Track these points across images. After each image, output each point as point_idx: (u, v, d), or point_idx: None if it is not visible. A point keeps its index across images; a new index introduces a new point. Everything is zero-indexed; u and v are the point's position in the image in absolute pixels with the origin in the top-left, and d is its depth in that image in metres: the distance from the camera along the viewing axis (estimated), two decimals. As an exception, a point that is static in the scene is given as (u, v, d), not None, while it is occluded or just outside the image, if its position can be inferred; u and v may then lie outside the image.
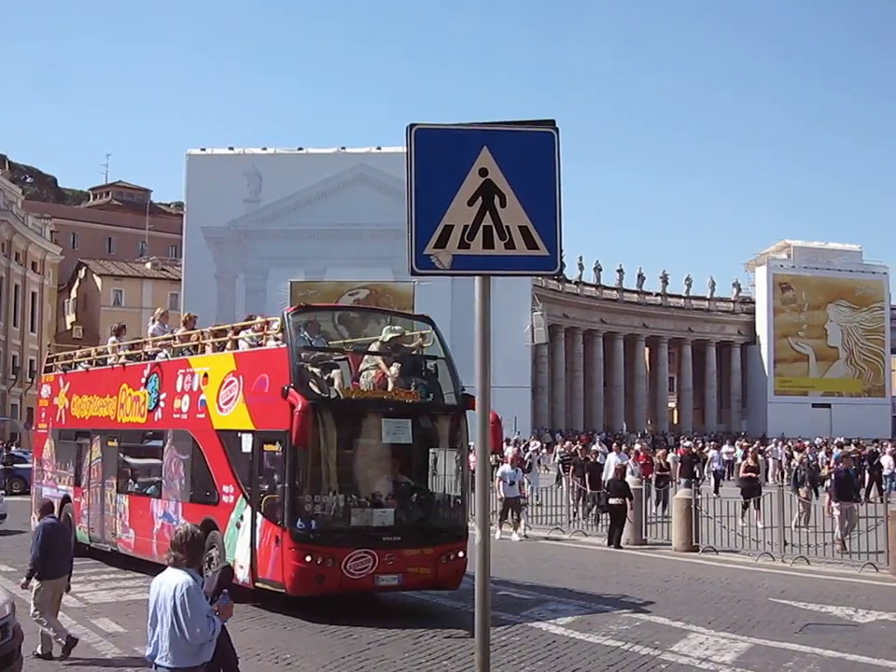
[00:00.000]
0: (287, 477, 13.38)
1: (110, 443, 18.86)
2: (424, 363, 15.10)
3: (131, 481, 18.23)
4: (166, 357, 17.62)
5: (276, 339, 14.49)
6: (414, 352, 15.24)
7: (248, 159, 64.76)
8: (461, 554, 14.30)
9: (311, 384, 13.76)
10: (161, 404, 17.08)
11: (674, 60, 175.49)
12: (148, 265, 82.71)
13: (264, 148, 65.41)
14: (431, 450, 14.63)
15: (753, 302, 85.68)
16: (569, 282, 77.80)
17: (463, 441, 14.76)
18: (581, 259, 79.10)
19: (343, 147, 65.01)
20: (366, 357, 14.76)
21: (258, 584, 13.86)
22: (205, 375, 15.81)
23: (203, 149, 65.74)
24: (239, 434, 14.77)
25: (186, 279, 65.52)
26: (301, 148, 65.02)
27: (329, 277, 61.22)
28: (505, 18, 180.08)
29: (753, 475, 25.98)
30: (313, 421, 13.29)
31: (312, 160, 63.32)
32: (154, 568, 11.72)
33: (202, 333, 16.52)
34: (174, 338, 17.30)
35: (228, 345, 15.91)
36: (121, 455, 18.54)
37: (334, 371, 14.24)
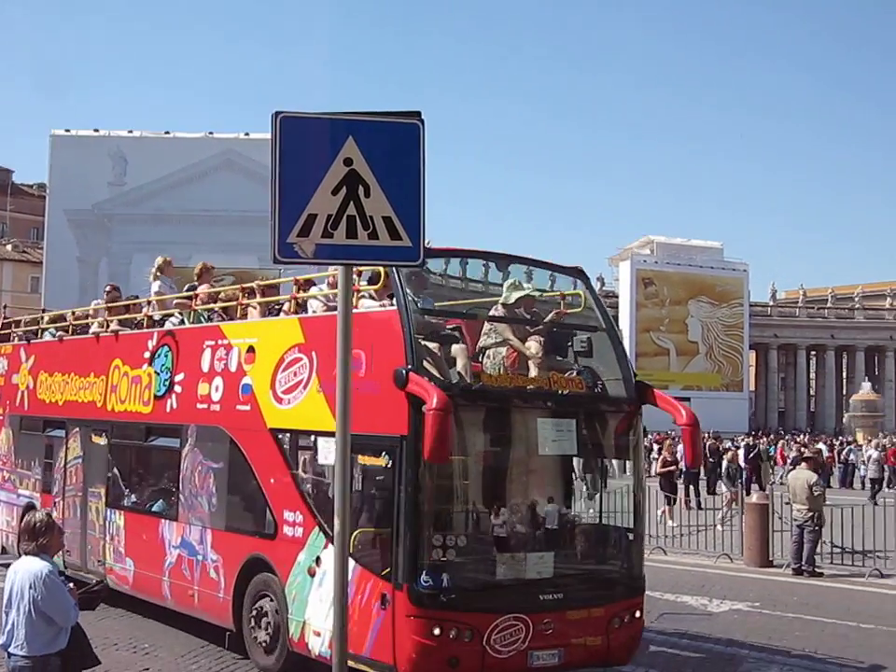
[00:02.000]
0: (406, 506, 8.77)
1: (96, 439, 14.03)
2: (572, 337, 10.50)
3: (128, 492, 13.42)
4: (183, 323, 12.83)
5: (373, 297, 9.82)
6: (565, 320, 10.63)
7: (114, 141, 63.50)
8: (637, 615, 9.84)
9: (428, 365, 9.14)
10: (177, 389, 12.30)
11: (541, 46, 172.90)
12: (9, 247, 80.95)
13: (130, 131, 64.19)
14: (599, 464, 10.10)
15: (617, 296, 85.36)
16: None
17: (640, 450, 10.25)
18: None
19: (211, 133, 64.11)
20: (487, 327, 10.08)
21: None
22: (250, 350, 11.08)
23: (68, 130, 64.16)
24: (313, 438, 10.10)
25: (47, 262, 63.81)
26: (167, 132, 64.20)
27: (193, 263, 57.01)
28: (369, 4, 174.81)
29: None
30: (455, 425, 8.72)
31: (179, 144, 62.27)
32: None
33: (242, 290, 11.70)
34: (194, 296, 12.48)
35: (287, 306, 11.17)
36: (113, 455, 13.71)
37: (455, 348, 9.63)
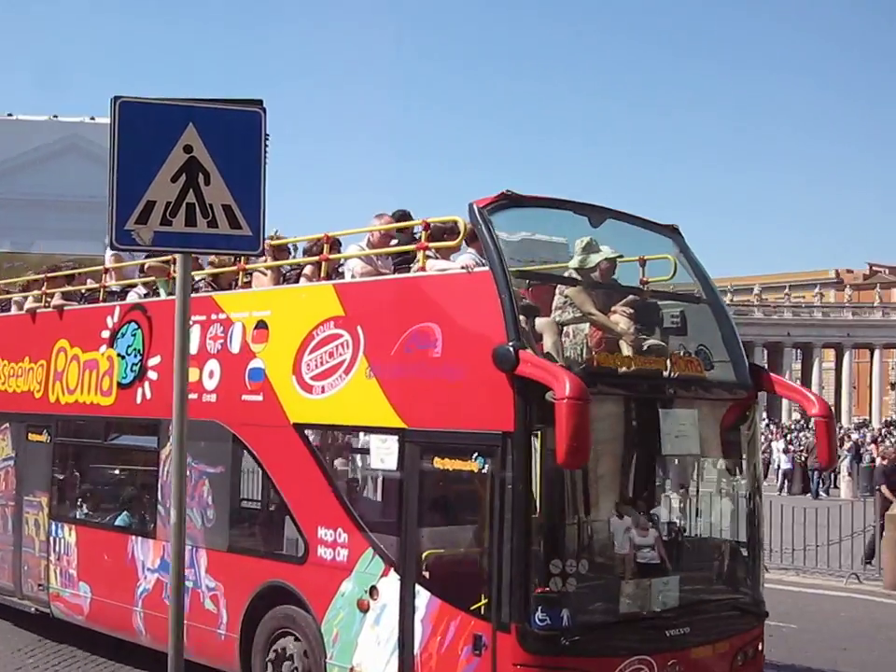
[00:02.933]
0: (514, 522, 6.76)
1: (33, 437, 11.53)
2: (659, 311, 8.58)
3: (81, 502, 11.00)
4: (153, 294, 10.48)
5: (443, 255, 7.77)
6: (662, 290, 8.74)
7: (-47, 123, 60.62)
8: (760, 647, 8.08)
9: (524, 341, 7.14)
10: (151, 375, 9.95)
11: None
12: None
13: None
14: (717, 465, 8.26)
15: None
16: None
17: (757, 447, 8.49)
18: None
19: (56, 116, 61.04)
20: (560, 300, 8.05)
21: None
22: (260, 326, 8.85)
23: None
24: (362, 436, 8.00)
25: None
26: (10, 114, 60.73)
27: (36, 249, 54.58)
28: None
29: None
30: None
31: (21, 126, 59.32)
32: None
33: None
34: (168, 262, 10.12)
35: (307, 271, 8.97)
36: (59, 457, 11.25)
37: (541, 322, 7.63)
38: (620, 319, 8.08)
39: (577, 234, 8.03)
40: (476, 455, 7.05)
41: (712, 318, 8.51)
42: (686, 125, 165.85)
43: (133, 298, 10.66)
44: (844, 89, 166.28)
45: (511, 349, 6.82)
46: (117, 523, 10.42)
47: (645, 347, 7.85)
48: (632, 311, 8.13)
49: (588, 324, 7.76)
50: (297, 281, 9.04)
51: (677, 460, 7.98)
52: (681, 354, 7.84)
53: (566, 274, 8.15)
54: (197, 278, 10.18)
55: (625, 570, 7.24)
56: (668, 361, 7.66)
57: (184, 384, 5.38)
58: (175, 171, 4.92)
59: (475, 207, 7.38)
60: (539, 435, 6.82)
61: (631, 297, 8.34)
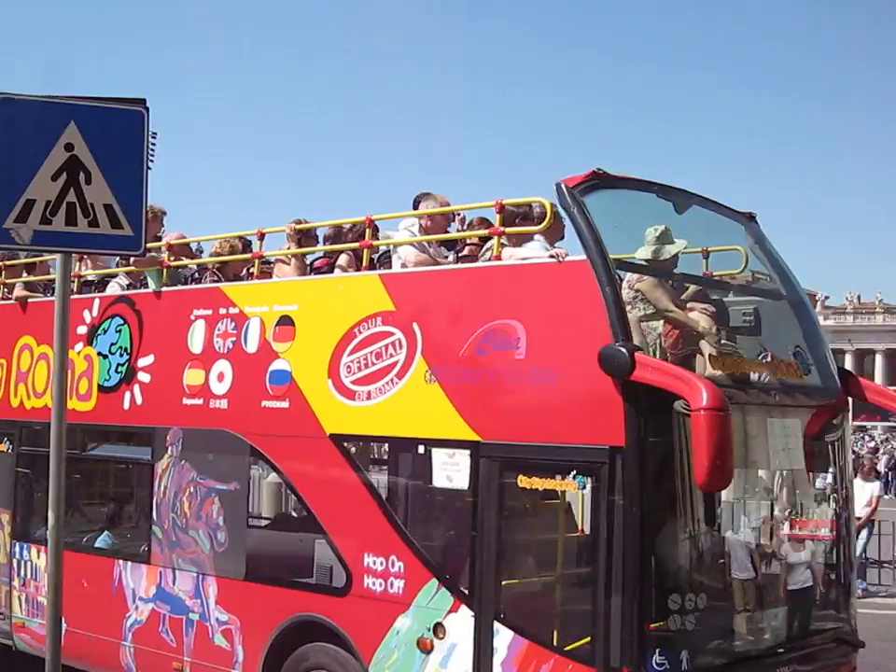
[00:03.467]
0: (627, 554, 5.83)
1: (-9, 446, 10.17)
2: (727, 308, 7.73)
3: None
4: (139, 286, 9.23)
5: (531, 241, 6.79)
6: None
7: None
8: (854, 678, 7.33)
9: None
10: (142, 378, 8.72)
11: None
12: None
13: None
14: (810, 478, 7.44)
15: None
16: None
17: (849, 458, 7.73)
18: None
19: None
20: (630, 294, 7.08)
21: None
22: (284, 322, 7.72)
23: None
24: (422, 449, 6.95)
25: None
26: None
27: None
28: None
29: None
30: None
31: None
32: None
33: (259, 236, 8.22)
34: (166, 248, 8.87)
35: (342, 261, 7.87)
36: (24, 469, 9.91)
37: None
38: (699, 317, 7.21)
39: (657, 221, 7.11)
40: (574, 472, 6.10)
41: (792, 316, 7.71)
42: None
43: (114, 289, 9.39)
44: None
45: (625, 351, 5.89)
46: (97, 545, 9.15)
47: (729, 349, 7.01)
48: (713, 308, 7.29)
49: (662, 322, 6.88)
50: (331, 271, 7.92)
51: (782, 476, 7.13)
52: (766, 357, 7.01)
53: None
54: (196, 267, 9.07)
55: (744, 601, 6.39)
56: (772, 365, 6.83)
57: (62, 389, 5.12)
58: (56, 169, 4.82)
59: (565, 187, 6.42)
60: (655, 451, 5.91)
61: (693, 288, 7.51)
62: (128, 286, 9.35)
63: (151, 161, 5.32)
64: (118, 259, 9.66)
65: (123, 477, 9.44)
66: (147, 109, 4.98)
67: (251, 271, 8.34)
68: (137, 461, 8.85)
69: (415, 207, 8.06)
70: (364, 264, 7.45)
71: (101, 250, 5.79)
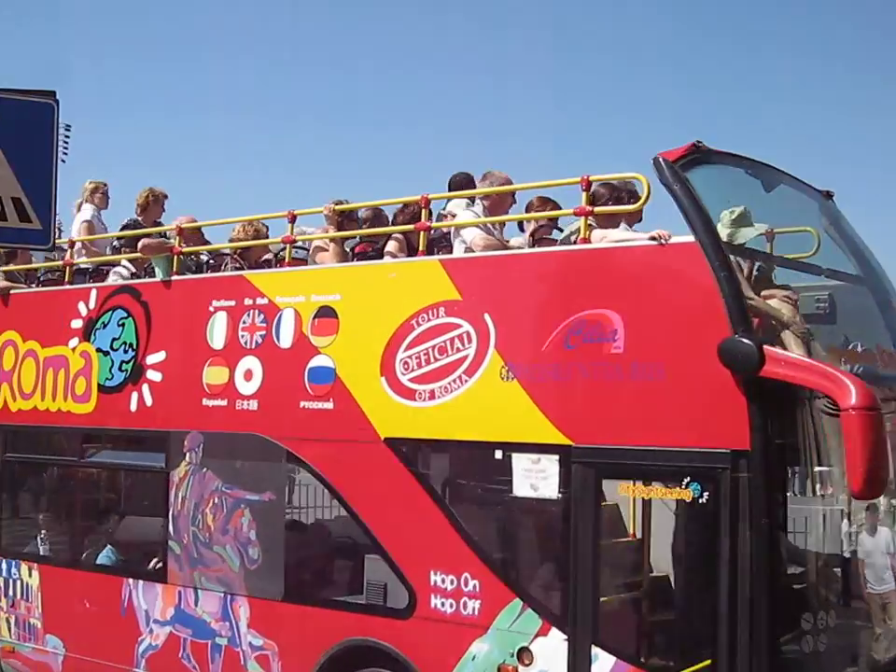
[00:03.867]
0: (754, 569, 5.19)
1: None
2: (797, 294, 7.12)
3: (45, 535, 8.75)
4: (144, 275, 8.35)
5: (624, 226, 6.11)
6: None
7: None
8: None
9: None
10: (152, 376, 7.85)
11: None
12: None
13: None
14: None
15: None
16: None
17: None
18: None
19: None
20: None
21: None
22: (324, 313, 6.93)
23: None
24: (500, 454, 6.23)
25: None
26: None
27: None
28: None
29: None
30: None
31: None
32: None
33: (290, 217, 7.39)
34: (177, 232, 7.98)
35: (391, 247, 7.09)
36: (9, 479, 8.99)
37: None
38: (781, 305, 6.61)
39: (744, 200, 6.48)
40: (687, 479, 5.45)
41: (873, 303, 7.15)
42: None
43: (115, 279, 8.49)
44: None
45: (752, 344, 5.26)
46: (100, 561, 8.26)
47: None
48: (795, 296, 6.69)
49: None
50: (379, 257, 7.14)
51: None
52: (866, 349, 6.43)
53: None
54: (208, 254, 8.24)
55: (882, 616, 5.83)
56: (878, 357, 6.27)
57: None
58: None
59: (665, 162, 5.75)
60: (783, 454, 5.30)
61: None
62: (131, 275, 8.46)
63: (64, 153, 5.15)
64: (112, 244, 8.80)
65: (129, 486, 8.60)
66: (57, 102, 4.79)
67: (281, 256, 7.52)
68: (148, 469, 8.00)
69: (457, 187, 7.36)
70: (421, 248, 6.69)
71: (9, 244, 5.69)
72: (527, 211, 6.90)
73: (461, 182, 7.50)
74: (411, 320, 6.52)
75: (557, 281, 6.11)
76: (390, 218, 7.48)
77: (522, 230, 7.07)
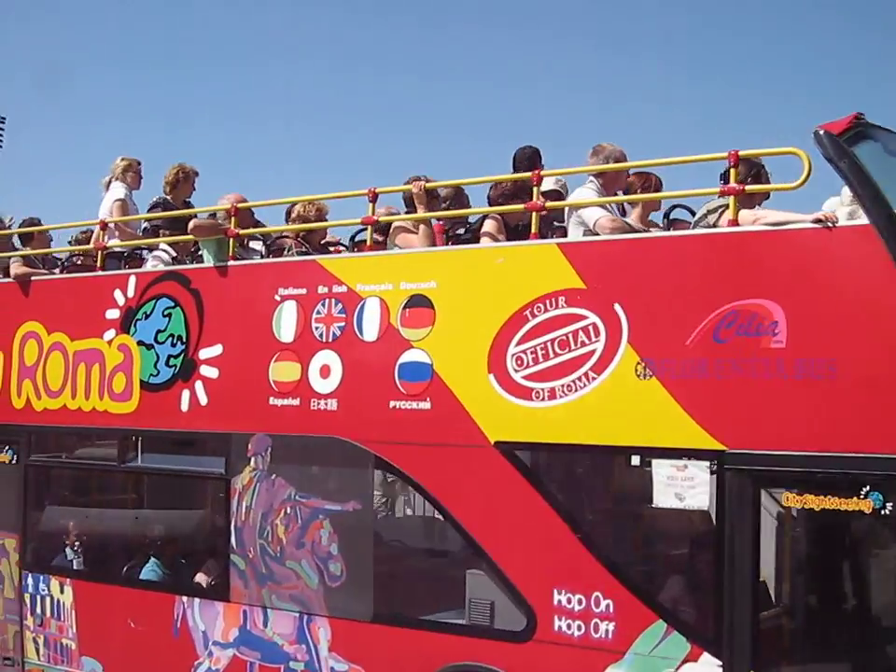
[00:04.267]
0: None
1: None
2: None
3: (78, 547, 7.95)
4: (189, 259, 7.58)
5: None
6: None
7: None
8: None
9: None
10: (206, 372, 7.10)
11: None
12: None
13: None
14: None
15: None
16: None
17: None
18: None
19: None
20: None
21: None
22: (417, 302, 6.22)
23: None
24: (634, 462, 5.60)
25: None
26: None
27: None
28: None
29: None
30: None
31: None
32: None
33: (371, 196, 6.64)
34: (233, 212, 7.20)
35: (490, 227, 6.38)
36: (34, 485, 8.16)
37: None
38: None
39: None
40: (867, 489, 4.88)
41: None
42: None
43: (155, 265, 7.68)
44: None
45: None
46: (144, 576, 7.50)
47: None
48: None
49: None
50: (477, 240, 6.44)
51: None
52: None
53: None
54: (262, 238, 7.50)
55: None
56: None
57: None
58: None
59: (828, 136, 5.14)
60: None
61: None
62: (173, 259, 7.68)
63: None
64: (145, 225, 7.99)
65: (178, 494, 7.82)
66: None
67: (360, 240, 6.81)
68: (203, 475, 7.25)
69: (524, 160, 6.73)
70: (533, 231, 6.01)
71: None
72: (630, 191, 6.30)
73: (530, 156, 6.91)
74: (524, 311, 5.85)
75: (701, 267, 5.48)
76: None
77: (623, 213, 6.45)
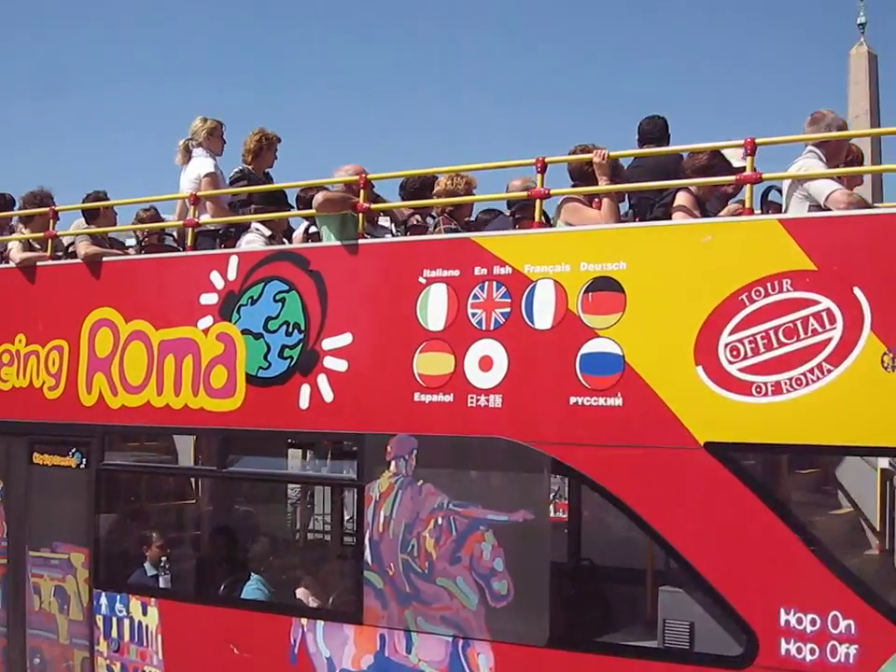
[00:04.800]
0: None
1: (47, 459, 7.42)
2: None
3: (165, 562, 7.06)
4: (307, 237, 6.77)
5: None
6: None
7: None
8: None
9: None
10: (332, 364, 6.29)
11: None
12: None
13: None
14: None
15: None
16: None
17: None
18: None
19: None
20: None
21: None
22: (602, 285, 5.50)
23: None
24: (888, 465, 4.98)
25: None
26: None
27: None
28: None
29: None
30: None
31: None
32: None
33: (539, 165, 5.89)
34: (362, 183, 6.39)
35: (684, 200, 5.70)
36: (111, 491, 7.26)
37: None
38: None
39: None
40: None
41: None
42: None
43: (250, 244, 6.84)
44: None
45: None
46: (249, 595, 6.65)
47: None
48: None
49: None
50: (667, 217, 5.75)
51: None
52: None
53: None
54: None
55: None
56: None
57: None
58: None
59: None
60: None
61: None
62: (269, 237, 6.86)
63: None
64: (231, 199, 7.15)
65: (279, 501, 6.99)
66: None
67: (522, 216, 6.08)
68: (330, 481, 6.45)
69: (647, 132, 6.18)
70: (747, 206, 5.35)
71: None
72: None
73: (660, 125, 6.34)
74: (738, 295, 5.19)
75: None
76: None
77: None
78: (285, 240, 7.13)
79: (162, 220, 7.69)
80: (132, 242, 7.96)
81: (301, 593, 6.68)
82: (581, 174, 5.95)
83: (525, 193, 6.10)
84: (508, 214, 6.49)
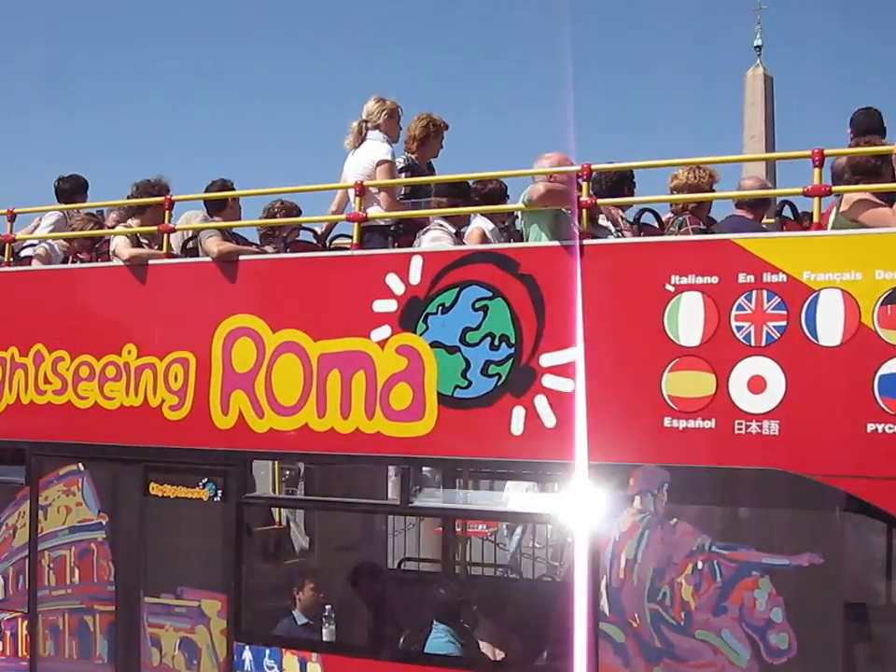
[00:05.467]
0: None
1: (168, 490, 6.37)
2: None
3: (329, 612, 6.07)
4: (498, 236, 5.90)
5: None
6: None
7: None
8: None
9: None
10: (550, 384, 5.43)
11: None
12: None
13: None
14: None
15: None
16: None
17: None
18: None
19: None
20: None
21: None
22: (906, 298, 4.86)
23: None
24: None
25: None
26: None
27: None
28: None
29: None
30: None
31: None
32: None
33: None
34: (578, 172, 5.55)
35: None
36: (260, 526, 6.25)
37: None
38: None
39: None
40: None
41: None
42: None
43: (433, 243, 5.95)
44: None
45: None
46: (439, 650, 5.75)
47: None
48: None
49: None
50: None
51: None
52: None
53: None
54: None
55: None
56: None
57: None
58: None
59: None
60: None
61: None
62: (455, 233, 5.98)
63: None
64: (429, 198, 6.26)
65: (484, 539, 6.09)
66: None
67: (775, 220, 5.36)
68: (544, 518, 5.59)
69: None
70: None
71: None
72: None
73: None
74: None
75: None
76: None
77: None
78: (456, 239, 6.26)
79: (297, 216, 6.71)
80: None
81: (484, 647, 5.83)
82: (867, 169, 5.25)
83: (774, 192, 5.39)
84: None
